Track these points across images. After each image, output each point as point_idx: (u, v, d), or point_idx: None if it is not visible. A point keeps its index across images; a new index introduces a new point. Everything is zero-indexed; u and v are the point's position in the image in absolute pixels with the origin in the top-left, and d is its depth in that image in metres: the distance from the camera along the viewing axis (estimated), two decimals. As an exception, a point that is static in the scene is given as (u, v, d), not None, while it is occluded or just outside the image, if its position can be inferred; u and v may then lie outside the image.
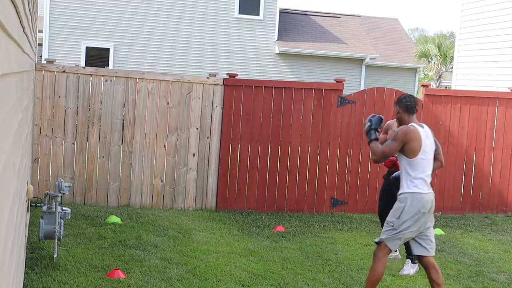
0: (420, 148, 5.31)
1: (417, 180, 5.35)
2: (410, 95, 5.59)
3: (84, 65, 19.18)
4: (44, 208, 6.02)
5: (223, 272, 6.20)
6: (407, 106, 5.41)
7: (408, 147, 5.32)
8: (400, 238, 5.40)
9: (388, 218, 5.49)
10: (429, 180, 5.43)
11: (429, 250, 5.44)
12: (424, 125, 5.53)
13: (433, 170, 5.54)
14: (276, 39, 22.10)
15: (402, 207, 5.37)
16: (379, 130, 5.77)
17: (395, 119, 6.34)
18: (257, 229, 8.19)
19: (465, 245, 8.00)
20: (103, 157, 8.82)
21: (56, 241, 6.02)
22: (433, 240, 5.50)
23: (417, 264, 6.71)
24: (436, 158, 5.56)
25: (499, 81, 14.05)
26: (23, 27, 3.36)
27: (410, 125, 5.40)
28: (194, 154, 9.07)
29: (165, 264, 6.32)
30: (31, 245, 6.53)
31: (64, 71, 8.70)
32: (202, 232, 7.78)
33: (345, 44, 23.06)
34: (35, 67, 8.19)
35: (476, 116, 9.94)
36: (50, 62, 8.77)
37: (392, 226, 5.39)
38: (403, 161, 5.44)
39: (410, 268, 6.74)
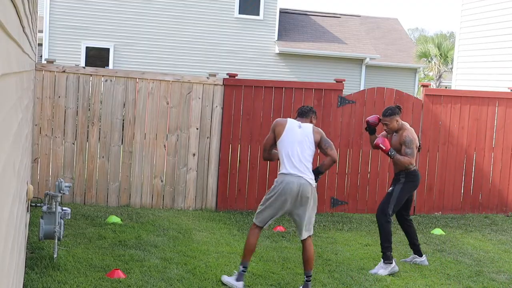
0: (283, 131, 5.91)
1: (284, 161, 5.86)
2: (307, 106, 6.32)
3: (84, 65, 19.19)
4: (44, 208, 6.02)
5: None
6: (298, 112, 6.25)
7: (275, 133, 6.00)
8: (262, 212, 5.89)
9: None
10: (298, 164, 5.83)
11: (300, 233, 5.90)
12: (308, 124, 6.05)
13: (326, 165, 6.02)
14: (276, 39, 22.10)
15: (273, 186, 5.89)
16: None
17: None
18: (257, 229, 8.18)
19: (465, 245, 7.99)
20: (103, 157, 8.83)
21: (56, 241, 6.02)
22: (302, 224, 5.84)
23: (392, 265, 6.65)
24: (325, 153, 5.99)
25: (499, 81, 14.05)
26: (23, 27, 3.36)
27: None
28: (194, 154, 9.07)
29: (165, 264, 6.32)
30: (31, 245, 6.53)
31: (64, 71, 8.70)
32: (202, 232, 7.78)
33: (345, 44, 23.06)
34: (35, 67, 8.19)
35: (476, 116, 9.94)
36: (50, 62, 8.76)
37: (262, 202, 5.96)
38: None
39: (380, 268, 6.64)
